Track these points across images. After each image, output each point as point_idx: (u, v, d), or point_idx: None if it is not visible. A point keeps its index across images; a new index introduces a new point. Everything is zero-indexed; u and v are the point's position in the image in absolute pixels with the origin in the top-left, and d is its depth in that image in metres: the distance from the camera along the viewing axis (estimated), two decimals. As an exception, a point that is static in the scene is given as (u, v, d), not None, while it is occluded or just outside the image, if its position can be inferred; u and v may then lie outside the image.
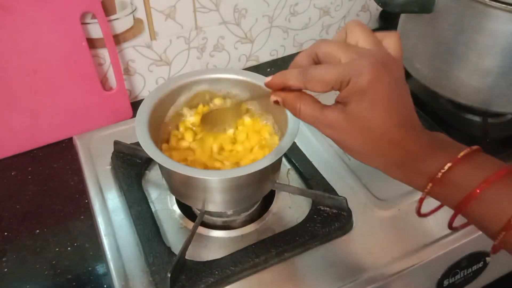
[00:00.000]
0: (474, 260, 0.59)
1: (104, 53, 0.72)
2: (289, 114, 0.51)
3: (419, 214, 0.41)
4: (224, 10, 0.78)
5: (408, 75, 0.68)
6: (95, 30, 0.68)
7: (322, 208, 0.56)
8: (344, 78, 0.34)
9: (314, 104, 0.38)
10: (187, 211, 0.58)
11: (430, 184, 0.37)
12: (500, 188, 0.35)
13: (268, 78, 0.39)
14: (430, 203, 0.39)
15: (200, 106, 0.57)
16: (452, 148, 0.38)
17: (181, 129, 0.56)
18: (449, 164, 0.36)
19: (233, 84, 0.56)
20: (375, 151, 0.37)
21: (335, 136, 0.37)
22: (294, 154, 0.63)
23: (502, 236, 0.35)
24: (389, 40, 0.37)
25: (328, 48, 0.36)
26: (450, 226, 0.39)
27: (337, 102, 0.37)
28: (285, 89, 0.38)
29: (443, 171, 0.36)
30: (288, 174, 0.63)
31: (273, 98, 0.39)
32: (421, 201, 0.39)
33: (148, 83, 0.80)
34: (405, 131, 0.36)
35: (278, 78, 0.38)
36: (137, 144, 0.49)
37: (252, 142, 0.54)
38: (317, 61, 0.38)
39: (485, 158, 0.37)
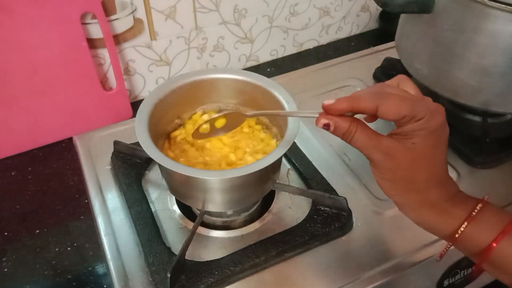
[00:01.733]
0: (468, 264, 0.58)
1: (104, 53, 0.72)
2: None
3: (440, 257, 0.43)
4: (224, 10, 0.78)
5: (408, 75, 0.68)
6: (95, 30, 0.68)
7: (322, 208, 0.56)
8: (418, 113, 0.36)
9: (370, 130, 0.38)
10: (187, 211, 0.58)
11: (466, 224, 0.38)
12: None
13: (329, 101, 0.38)
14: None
15: (197, 114, 0.57)
16: (470, 197, 0.40)
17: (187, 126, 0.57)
18: (480, 204, 0.38)
19: (233, 84, 0.56)
20: (417, 188, 0.38)
21: (386, 163, 0.37)
22: (294, 154, 0.63)
23: None
24: (406, 84, 0.39)
25: (408, 85, 0.39)
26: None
27: (393, 134, 0.38)
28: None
29: (476, 210, 0.38)
30: (288, 174, 0.63)
31: (324, 121, 0.38)
32: (444, 252, 0.42)
33: (148, 83, 0.80)
34: (447, 177, 0.40)
35: (346, 102, 0.37)
36: (137, 144, 0.49)
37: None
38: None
39: (492, 213, 0.39)
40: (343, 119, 0.38)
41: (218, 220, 0.56)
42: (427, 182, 0.38)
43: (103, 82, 0.74)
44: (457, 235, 0.38)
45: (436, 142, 0.37)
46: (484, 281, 0.63)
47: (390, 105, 0.35)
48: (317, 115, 0.39)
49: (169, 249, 0.52)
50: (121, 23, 0.71)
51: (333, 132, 0.38)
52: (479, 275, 0.40)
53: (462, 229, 0.38)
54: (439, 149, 0.38)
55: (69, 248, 0.58)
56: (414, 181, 0.38)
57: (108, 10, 0.68)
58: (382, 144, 0.37)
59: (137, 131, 0.48)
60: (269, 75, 0.69)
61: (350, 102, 0.37)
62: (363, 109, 0.36)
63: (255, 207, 0.58)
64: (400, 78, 0.40)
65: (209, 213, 0.56)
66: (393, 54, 0.76)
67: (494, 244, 0.37)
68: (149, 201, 0.58)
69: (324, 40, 0.95)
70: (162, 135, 0.56)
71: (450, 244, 0.40)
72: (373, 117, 0.39)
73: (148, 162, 0.63)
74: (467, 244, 0.38)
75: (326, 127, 0.38)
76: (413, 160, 0.37)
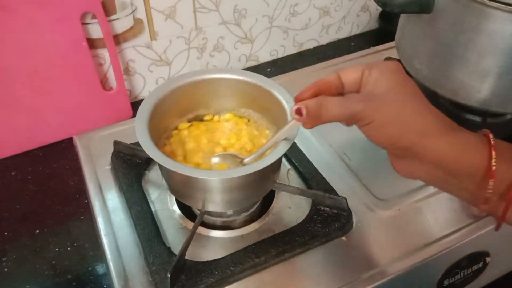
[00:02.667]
0: (474, 260, 0.58)
1: (104, 53, 0.72)
2: (288, 114, 0.51)
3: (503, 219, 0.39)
4: (224, 10, 0.78)
5: (408, 75, 0.68)
6: (95, 30, 0.68)
7: (322, 208, 0.56)
8: (364, 71, 0.40)
9: (339, 99, 0.39)
10: (187, 211, 0.58)
11: (491, 181, 0.36)
12: None
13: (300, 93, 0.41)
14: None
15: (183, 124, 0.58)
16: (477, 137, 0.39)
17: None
18: (494, 153, 0.37)
19: (233, 84, 0.56)
20: (414, 119, 0.38)
21: (368, 107, 0.38)
22: (294, 154, 0.63)
23: None
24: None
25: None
26: (503, 218, 0.38)
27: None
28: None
29: (494, 161, 0.36)
30: (288, 174, 0.63)
31: (294, 108, 0.40)
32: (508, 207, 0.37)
33: (148, 83, 0.80)
34: (436, 110, 0.40)
35: (310, 87, 0.41)
36: (137, 144, 0.49)
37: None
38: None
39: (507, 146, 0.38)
40: (310, 99, 0.40)
41: (218, 220, 0.56)
42: (419, 109, 0.38)
43: (103, 82, 0.74)
44: (493, 166, 0.36)
45: (392, 78, 0.39)
46: (484, 281, 0.63)
47: (348, 69, 0.40)
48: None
49: (169, 249, 0.52)
50: (121, 23, 0.71)
51: (308, 116, 0.39)
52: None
53: (494, 158, 0.36)
54: (400, 81, 0.39)
55: (69, 248, 0.58)
56: (405, 112, 0.38)
57: (108, 10, 0.68)
58: (355, 97, 0.39)
59: (137, 131, 0.48)
60: (269, 75, 0.69)
61: (314, 84, 0.41)
62: (327, 83, 0.40)
63: (255, 207, 0.58)
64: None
65: (209, 213, 0.56)
66: (393, 54, 0.76)
67: None
68: (149, 201, 0.58)
69: (324, 40, 0.95)
70: (162, 135, 0.56)
71: (491, 181, 0.36)
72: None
73: (148, 162, 0.63)
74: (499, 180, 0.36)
75: (299, 112, 0.39)
76: (386, 97, 0.38)
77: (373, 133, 0.39)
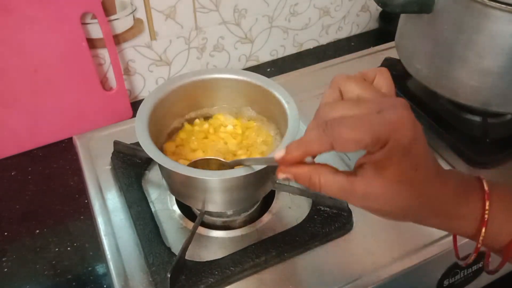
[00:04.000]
0: (474, 260, 0.58)
1: (104, 53, 0.72)
2: (289, 114, 0.51)
3: (489, 270, 0.38)
4: (224, 10, 0.78)
5: (408, 75, 0.68)
6: (95, 30, 0.68)
7: (322, 208, 0.56)
8: (381, 134, 0.29)
9: (336, 174, 0.33)
10: (187, 211, 0.58)
11: (484, 229, 0.34)
12: None
13: (280, 153, 0.32)
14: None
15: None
16: (471, 184, 0.36)
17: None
18: (487, 202, 0.34)
19: (233, 84, 0.56)
20: (416, 207, 0.34)
21: (371, 205, 0.33)
22: (294, 154, 0.63)
23: None
24: (382, 78, 0.35)
25: (351, 87, 0.34)
26: (488, 269, 0.38)
27: (362, 164, 0.33)
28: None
29: (487, 211, 0.34)
30: (288, 174, 0.63)
31: (282, 175, 0.33)
32: (476, 251, 0.37)
33: (148, 83, 0.80)
34: (439, 180, 0.34)
35: (297, 150, 0.31)
36: (137, 144, 0.49)
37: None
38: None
39: (503, 190, 0.36)
40: (301, 167, 0.33)
41: (218, 220, 0.56)
42: (427, 195, 0.34)
43: (103, 82, 0.74)
44: (479, 243, 0.35)
45: (412, 160, 0.31)
46: (484, 281, 0.63)
47: (344, 137, 0.29)
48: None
49: (169, 249, 0.52)
50: (121, 23, 0.71)
51: (298, 182, 0.33)
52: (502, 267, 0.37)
53: (482, 235, 0.34)
54: (424, 162, 0.32)
55: (69, 248, 0.58)
56: (413, 201, 0.33)
57: (108, 10, 0.68)
58: (357, 189, 0.32)
59: (137, 131, 0.48)
60: (269, 75, 0.69)
61: (301, 149, 0.31)
62: (317, 152, 0.31)
63: (255, 207, 0.58)
64: (378, 71, 0.35)
65: (209, 213, 0.56)
66: (393, 54, 0.76)
67: None
68: (149, 201, 0.58)
69: (324, 40, 0.95)
70: (162, 135, 0.56)
71: (484, 230, 0.35)
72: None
73: (148, 162, 0.63)
74: (490, 242, 0.35)
75: (287, 180, 0.35)
76: (397, 188, 0.32)
77: (375, 212, 0.35)
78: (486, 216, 0.34)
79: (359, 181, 0.32)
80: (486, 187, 0.35)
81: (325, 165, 0.34)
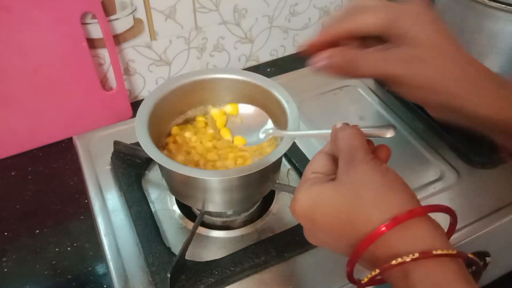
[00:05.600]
0: (469, 263, 0.58)
1: (104, 53, 0.72)
2: (289, 114, 0.51)
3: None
4: (224, 10, 0.78)
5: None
6: (95, 30, 0.68)
7: (322, 208, 0.56)
8: (389, 19, 0.33)
9: (374, 56, 0.35)
10: (187, 211, 0.58)
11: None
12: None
13: (313, 39, 0.37)
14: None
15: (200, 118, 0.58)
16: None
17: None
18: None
19: (233, 84, 0.56)
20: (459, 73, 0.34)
21: (410, 67, 0.34)
22: (294, 154, 0.63)
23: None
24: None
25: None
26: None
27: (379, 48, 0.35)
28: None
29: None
30: (288, 174, 0.63)
31: (321, 63, 0.36)
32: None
33: (148, 83, 0.80)
34: None
35: (322, 35, 0.36)
36: (137, 144, 0.49)
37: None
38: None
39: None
40: (337, 50, 0.36)
41: (218, 220, 0.56)
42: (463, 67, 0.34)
43: (103, 82, 0.74)
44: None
45: (430, 30, 0.34)
46: (484, 281, 0.63)
47: (365, 15, 0.34)
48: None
49: (169, 249, 0.52)
50: (121, 23, 0.71)
51: (336, 69, 0.35)
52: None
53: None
54: (441, 34, 0.34)
55: (69, 248, 0.58)
56: (450, 75, 0.34)
57: (108, 10, 0.68)
58: (393, 56, 0.34)
59: (137, 131, 0.48)
60: (269, 75, 0.69)
61: (328, 30, 0.36)
62: (343, 27, 0.35)
63: (255, 207, 0.58)
64: None
65: (209, 213, 0.56)
66: (393, 54, 0.76)
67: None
68: (149, 201, 0.58)
69: (324, 40, 0.95)
70: (162, 135, 0.56)
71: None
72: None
73: (148, 162, 0.63)
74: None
75: (323, 64, 0.36)
76: (429, 59, 0.33)
77: (408, 93, 0.35)
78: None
79: (394, 54, 0.34)
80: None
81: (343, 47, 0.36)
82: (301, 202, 0.34)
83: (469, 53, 0.35)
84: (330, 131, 0.38)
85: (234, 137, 0.50)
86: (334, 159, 0.37)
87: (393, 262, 0.29)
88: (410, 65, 0.34)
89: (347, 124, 0.38)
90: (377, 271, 0.30)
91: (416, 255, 0.29)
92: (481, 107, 0.35)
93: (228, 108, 0.56)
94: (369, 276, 0.31)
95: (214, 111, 0.55)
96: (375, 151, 0.37)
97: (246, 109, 0.54)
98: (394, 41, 0.34)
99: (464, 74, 0.34)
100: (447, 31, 0.34)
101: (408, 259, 0.29)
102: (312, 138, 0.68)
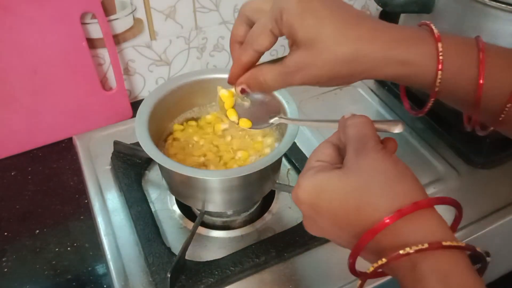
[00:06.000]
0: (474, 260, 0.58)
1: (104, 53, 0.72)
2: (289, 114, 0.51)
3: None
4: (224, 10, 0.78)
5: None
6: (95, 30, 0.68)
7: (322, 208, 0.56)
8: (276, 15, 0.35)
9: (271, 65, 0.38)
10: (187, 211, 0.58)
11: (440, 72, 0.35)
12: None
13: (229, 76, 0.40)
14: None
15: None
16: (419, 32, 0.36)
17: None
18: (440, 44, 0.35)
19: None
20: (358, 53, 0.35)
21: (307, 74, 0.36)
22: (294, 154, 0.63)
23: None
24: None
25: (253, 4, 0.38)
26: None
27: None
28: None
29: (441, 53, 0.35)
30: (288, 174, 0.63)
31: (238, 88, 0.40)
32: (433, 96, 0.38)
33: (148, 83, 0.80)
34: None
35: (235, 67, 0.40)
36: (137, 144, 0.49)
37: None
38: (252, 24, 0.39)
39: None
40: (246, 74, 0.39)
41: (218, 220, 0.56)
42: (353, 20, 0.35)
43: (103, 82, 0.74)
44: (437, 86, 0.36)
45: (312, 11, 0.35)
46: (484, 281, 0.63)
47: (255, 36, 0.37)
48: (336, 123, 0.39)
49: (169, 249, 0.52)
50: (121, 23, 0.71)
51: (254, 90, 0.39)
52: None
53: (439, 77, 0.35)
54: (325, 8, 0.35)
55: (69, 248, 0.58)
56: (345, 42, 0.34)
57: (108, 10, 0.68)
58: (290, 64, 0.36)
59: (137, 131, 0.48)
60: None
61: (236, 64, 0.40)
62: (246, 58, 0.39)
63: (255, 207, 0.58)
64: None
65: (209, 213, 0.56)
66: (393, 54, 0.76)
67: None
68: (149, 201, 0.58)
69: (324, 40, 0.95)
70: (162, 135, 0.56)
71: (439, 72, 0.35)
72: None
73: (148, 162, 0.63)
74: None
75: (244, 92, 0.40)
76: (318, 47, 0.35)
77: (329, 85, 0.37)
78: (440, 57, 0.34)
79: (288, 58, 0.36)
80: (435, 30, 0.35)
81: (262, 64, 0.39)
82: (306, 189, 0.34)
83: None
84: (337, 120, 0.39)
85: (240, 119, 0.50)
86: (339, 150, 0.37)
87: (401, 251, 0.29)
88: (306, 71, 0.35)
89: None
90: (384, 260, 0.30)
91: (426, 245, 0.29)
92: (387, 67, 0.35)
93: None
94: (375, 265, 0.31)
95: (223, 92, 0.55)
96: (382, 142, 0.37)
97: (257, 93, 0.53)
98: (291, 39, 0.36)
99: (355, 47, 0.34)
100: (317, 11, 0.34)
101: (417, 249, 0.29)
102: (312, 138, 0.68)
